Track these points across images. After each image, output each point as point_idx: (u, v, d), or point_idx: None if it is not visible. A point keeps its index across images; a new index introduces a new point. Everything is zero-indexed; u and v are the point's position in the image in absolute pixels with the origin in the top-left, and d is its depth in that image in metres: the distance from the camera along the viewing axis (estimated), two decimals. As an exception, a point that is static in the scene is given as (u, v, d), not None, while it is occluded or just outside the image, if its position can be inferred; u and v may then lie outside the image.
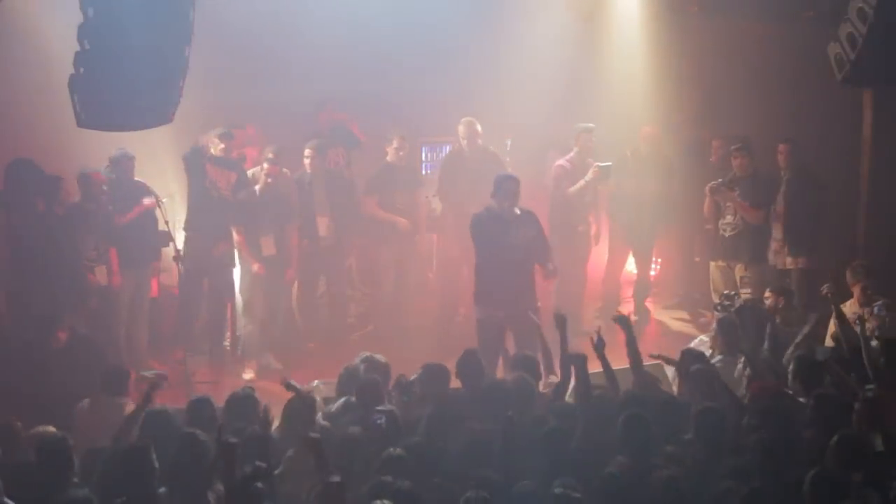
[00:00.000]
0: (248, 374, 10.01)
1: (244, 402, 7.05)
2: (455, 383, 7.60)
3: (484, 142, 10.78)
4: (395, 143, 10.69)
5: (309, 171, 10.61)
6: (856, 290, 9.15)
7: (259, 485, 5.65)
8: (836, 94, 9.96)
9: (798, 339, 8.24)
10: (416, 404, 7.24)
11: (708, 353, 8.46)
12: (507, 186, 9.03)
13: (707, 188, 10.58)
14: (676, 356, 7.98)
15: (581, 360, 7.27)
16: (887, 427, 6.49)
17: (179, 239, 9.96)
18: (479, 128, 10.64)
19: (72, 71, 6.81)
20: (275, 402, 7.18)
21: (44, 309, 8.91)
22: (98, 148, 9.46)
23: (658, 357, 8.18)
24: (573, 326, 8.38)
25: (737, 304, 8.99)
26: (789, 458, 6.17)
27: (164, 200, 9.82)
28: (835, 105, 10.53)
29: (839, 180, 10.70)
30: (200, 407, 6.99)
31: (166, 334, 10.45)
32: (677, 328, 11.21)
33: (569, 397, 7.44)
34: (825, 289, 8.69)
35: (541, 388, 7.67)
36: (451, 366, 7.61)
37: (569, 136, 10.98)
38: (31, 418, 7.11)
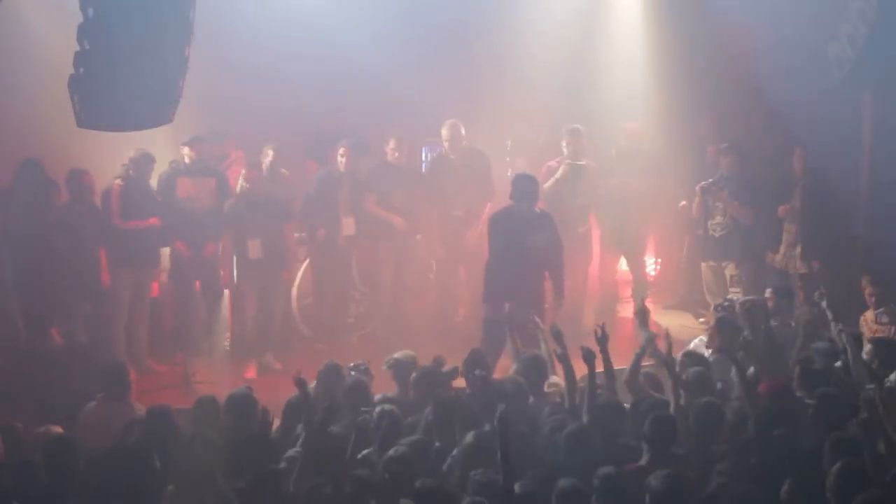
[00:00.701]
0: (248, 375, 9.98)
1: (244, 402, 7.05)
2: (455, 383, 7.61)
3: (474, 142, 10.75)
4: (391, 144, 10.68)
5: (343, 169, 10.57)
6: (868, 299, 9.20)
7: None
8: (836, 94, 9.94)
9: (798, 344, 8.23)
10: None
11: (707, 353, 8.45)
12: (524, 186, 8.95)
13: (697, 188, 10.59)
14: (676, 356, 7.94)
15: (591, 358, 7.16)
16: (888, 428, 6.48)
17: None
18: (462, 130, 10.57)
19: (72, 71, 6.82)
20: (275, 402, 7.18)
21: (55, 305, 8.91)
22: (98, 148, 9.46)
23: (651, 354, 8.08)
24: (573, 333, 8.31)
25: (736, 305, 8.97)
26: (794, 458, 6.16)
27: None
28: (835, 105, 10.52)
29: (839, 180, 10.69)
30: (206, 406, 7.04)
31: (166, 334, 10.45)
32: (677, 328, 11.20)
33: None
34: (817, 295, 8.50)
35: (545, 387, 7.64)
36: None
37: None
38: (31, 420, 7.12)
